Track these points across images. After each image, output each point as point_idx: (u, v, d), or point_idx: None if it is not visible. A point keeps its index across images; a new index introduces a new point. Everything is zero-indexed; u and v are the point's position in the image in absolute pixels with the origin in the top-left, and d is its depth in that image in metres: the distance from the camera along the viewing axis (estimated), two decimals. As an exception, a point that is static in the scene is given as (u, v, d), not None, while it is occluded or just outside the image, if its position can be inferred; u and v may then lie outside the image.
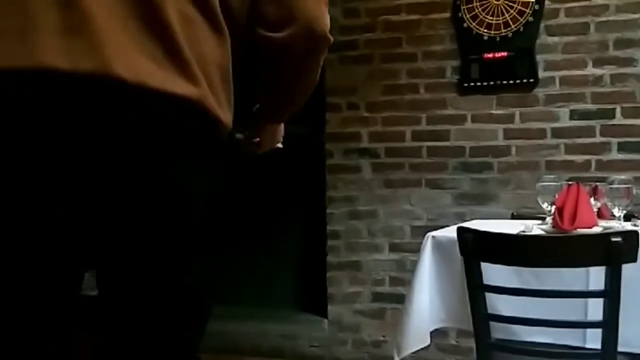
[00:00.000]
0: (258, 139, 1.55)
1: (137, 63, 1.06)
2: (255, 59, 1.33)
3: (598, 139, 3.69)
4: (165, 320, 1.17)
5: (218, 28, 1.18)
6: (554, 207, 2.29)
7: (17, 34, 1.03)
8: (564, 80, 3.75)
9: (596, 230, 2.24)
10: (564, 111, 3.75)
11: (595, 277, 2.02)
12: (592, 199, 2.35)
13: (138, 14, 1.08)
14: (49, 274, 1.11)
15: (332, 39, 1.32)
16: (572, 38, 3.73)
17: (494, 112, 3.87)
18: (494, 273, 2.08)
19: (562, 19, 3.75)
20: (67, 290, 1.16)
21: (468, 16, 3.87)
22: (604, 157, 3.68)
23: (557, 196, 2.30)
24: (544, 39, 3.78)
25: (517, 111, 3.83)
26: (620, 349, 1.91)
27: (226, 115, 1.21)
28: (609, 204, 2.30)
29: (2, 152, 1.04)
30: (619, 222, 2.28)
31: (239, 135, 1.47)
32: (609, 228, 2.23)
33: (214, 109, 1.16)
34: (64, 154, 1.05)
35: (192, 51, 1.12)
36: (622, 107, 3.66)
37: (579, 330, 2.13)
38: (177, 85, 1.09)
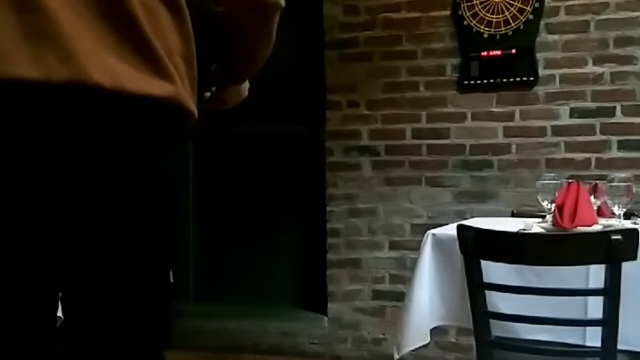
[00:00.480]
0: (222, 97, 1.54)
1: (111, 67, 1.02)
2: (209, 33, 1.30)
3: (598, 137, 3.69)
4: (135, 330, 1.15)
5: (178, 14, 1.13)
6: (554, 205, 2.29)
7: None
8: (564, 78, 3.75)
9: (596, 228, 2.24)
10: (564, 109, 3.75)
11: (595, 275, 2.02)
12: (592, 197, 2.35)
13: (101, 9, 1.03)
14: (26, 290, 1.09)
15: (283, 3, 1.28)
16: (572, 36, 3.73)
17: (494, 110, 3.87)
18: (493, 271, 2.08)
19: (562, 16, 3.75)
20: (45, 309, 1.14)
21: (468, 14, 3.87)
22: (604, 155, 3.68)
23: (557, 194, 2.30)
24: (544, 36, 3.78)
25: (517, 109, 3.82)
26: (620, 347, 1.92)
27: (194, 105, 1.18)
28: (609, 202, 2.30)
29: None
30: (619, 220, 2.28)
31: (205, 95, 1.48)
32: (609, 226, 2.23)
33: (187, 104, 1.14)
34: (41, 166, 1.01)
35: (159, 43, 1.08)
36: (622, 105, 3.66)
37: (579, 328, 2.13)
38: (153, 86, 1.06)
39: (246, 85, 1.56)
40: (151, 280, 1.16)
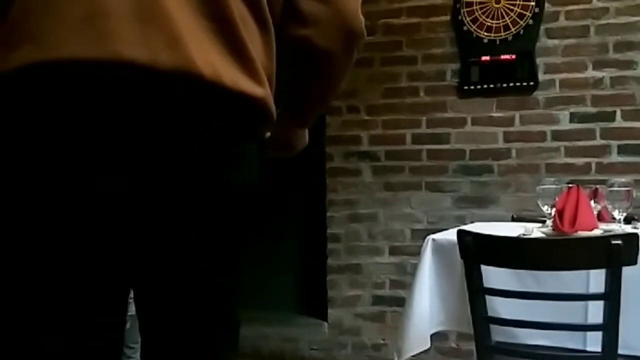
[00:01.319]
0: (290, 142, 1.48)
1: (211, 59, 1.02)
2: (285, 59, 1.27)
3: (598, 141, 3.69)
4: (204, 344, 1.15)
5: (265, 29, 1.13)
6: (554, 209, 2.29)
7: (85, 20, 0.97)
8: (564, 83, 3.75)
9: (596, 233, 2.24)
10: (564, 114, 3.75)
11: (596, 279, 2.01)
12: (592, 202, 2.35)
13: (205, 9, 1.04)
14: (95, 288, 1.06)
15: (365, 34, 1.28)
16: (572, 41, 3.74)
17: (494, 115, 3.87)
18: (494, 276, 2.07)
19: (562, 21, 3.75)
20: (114, 310, 1.12)
21: (468, 19, 3.87)
22: (604, 160, 3.68)
23: (557, 199, 2.30)
24: (544, 41, 3.78)
25: (517, 114, 3.83)
26: (620, 351, 1.91)
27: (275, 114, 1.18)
28: (609, 206, 2.30)
29: (74, 147, 0.98)
30: (619, 224, 2.28)
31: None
32: (609, 231, 2.22)
33: (273, 109, 1.13)
34: (137, 150, 1.00)
35: (252, 49, 1.09)
36: (622, 110, 3.66)
37: (579, 333, 2.12)
38: (247, 85, 1.06)
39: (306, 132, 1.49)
40: (225, 282, 1.16)
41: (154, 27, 0.98)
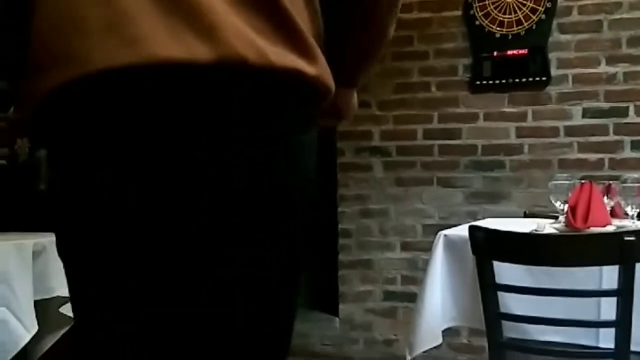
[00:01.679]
0: (338, 106, 1.34)
1: (254, 41, 0.92)
2: (331, 23, 1.15)
3: (611, 137, 3.68)
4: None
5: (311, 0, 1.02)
6: (566, 205, 2.28)
7: (110, 28, 0.91)
8: (576, 78, 3.73)
9: (609, 229, 2.23)
10: (576, 109, 3.74)
11: (609, 276, 2.01)
12: (605, 198, 2.34)
13: None
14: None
15: None
16: (585, 36, 3.72)
17: (506, 110, 3.86)
18: (506, 272, 2.07)
19: (575, 16, 3.73)
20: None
21: (480, 14, 3.86)
22: (617, 156, 3.66)
23: (570, 195, 2.29)
24: (556, 36, 3.76)
25: (529, 109, 3.81)
26: (633, 348, 1.90)
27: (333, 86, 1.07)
28: (622, 202, 2.29)
29: (124, 160, 0.92)
30: (632, 220, 2.27)
31: None
32: (622, 227, 2.21)
33: (331, 84, 1.03)
34: (193, 151, 0.92)
35: (299, 20, 0.97)
36: (635, 105, 3.64)
37: (592, 330, 2.12)
38: (300, 63, 0.96)
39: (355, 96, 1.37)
40: (290, 296, 1.10)
41: (184, 21, 0.91)
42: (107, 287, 0.97)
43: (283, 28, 0.95)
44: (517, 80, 3.81)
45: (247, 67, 0.91)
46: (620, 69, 3.66)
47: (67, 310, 2.41)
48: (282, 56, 0.93)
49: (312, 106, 1.02)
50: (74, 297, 1.03)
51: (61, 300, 2.39)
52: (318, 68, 0.98)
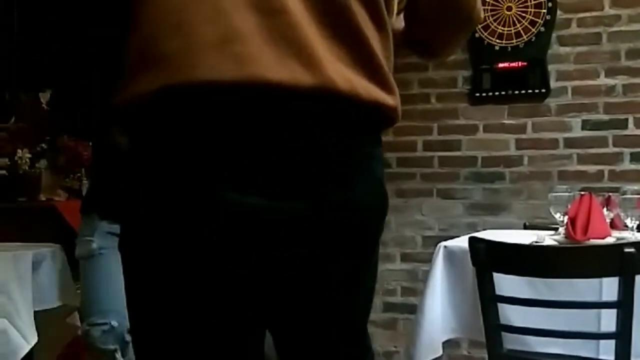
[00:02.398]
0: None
1: (346, 73, 1.01)
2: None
3: (611, 149, 3.68)
4: None
5: (385, 29, 1.08)
6: (566, 217, 2.28)
7: (220, 44, 0.96)
8: (576, 91, 3.74)
9: (609, 240, 2.23)
10: (576, 121, 3.74)
11: (609, 287, 2.01)
12: (604, 210, 2.34)
13: (332, 20, 1.01)
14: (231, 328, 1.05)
15: None
16: (584, 48, 3.73)
17: (505, 122, 3.86)
18: (506, 283, 2.07)
19: (574, 29, 3.75)
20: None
21: (480, 26, 3.87)
22: (617, 168, 3.66)
23: (569, 206, 2.29)
24: (555, 49, 3.77)
25: (529, 121, 3.82)
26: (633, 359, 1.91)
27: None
28: (622, 214, 2.29)
29: (214, 169, 0.96)
30: (632, 232, 2.27)
31: None
32: (622, 239, 2.22)
33: (400, 115, 1.11)
34: (281, 169, 0.98)
35: (380, 54, 1.06)
36: (634, 117, 3.65)
37: (592, 341, 2.11)
38: (381, 95, 1.04)
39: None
40: (364, 317, 1.17)
41: (289, 48, 0.98)
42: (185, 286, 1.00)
43: (369, 64, 1.03)
44: (516, 92, 3.82)
45: (338, 95, 0.99)
46: (619, 81, 3.67)
47: (72, 319, 2.41)
48: (367, 88, 1.02)
49: (385, 129, 1.11)
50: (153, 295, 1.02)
51: (66, 310, 2.39)
52: (395, 100, 1.07)
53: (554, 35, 3.77)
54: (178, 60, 0.96)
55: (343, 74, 1.00)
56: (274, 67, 0.96)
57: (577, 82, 3.74)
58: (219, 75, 0.94)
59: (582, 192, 2.36)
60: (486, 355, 2.09)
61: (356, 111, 1.02)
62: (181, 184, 0.97)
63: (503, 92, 3.84)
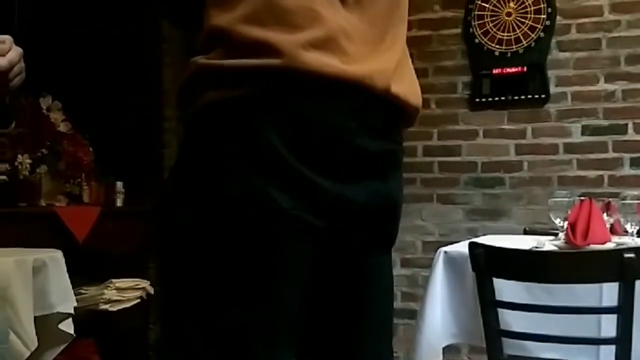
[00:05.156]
0: None
1: (399, 82, 1.15)
2: None
3: (610, 154, 3.69)
4: None
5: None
6: (566, 222, 2.28)
7: (322, 38, 1.04)
8: (575, 96, 3.74)
9: (609, 246, 2.23)
10: (576, 126, 3.75)
11: (609, 293, 2.01)
12: (604, 215, 2.35)
13: (403, 48, 1.22)
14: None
15: None
16: (583, 54, 3.74)
17: (505, 127, 3.87)
18: (506, 288, 2.07)
19: (574, 34, 3.75)
20: None
21: (479, 32, 3.88)
22: (617, 173, 3.67)
23: (569, 212, 2.29)
24: (555, 54, 3.78)
25: (529, 126, 3.82)
26: (633, 365, 1.90)
27: None
28: (622, 219, 2.29)
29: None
30: (631, 237, 2.27)
31: None
32: (622, 244, 2.22)
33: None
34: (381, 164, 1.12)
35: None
36: (634, 123, 3.65)
37: (592, 347, 2.11)
38: (419, 100, 1.24)
39: None
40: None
41: (405, 75, 1.19)
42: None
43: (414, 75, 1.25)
44: (516, 97, 3.82)
45: (407, 104, 1.17)
46: (619, 86, 3.68)
47: (66, 326, 2.40)
48: (418, 96, 1.25)
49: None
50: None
51: (60, 317, 2.38)
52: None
53: (553, 40, 3.78)
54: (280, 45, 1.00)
55: (417, 88, 1.22)
56: (398, 82, 1.14)
57: (576, 88, 3.74)
58: (320, 68, 1.01)
59: (582, 198, 2.37)
60: (486, 361, 2.09)
61: (406, 114, 1.20)
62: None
63: (503, 98, 3.84)
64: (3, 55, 1.20)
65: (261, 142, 0.99)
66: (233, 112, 1.00)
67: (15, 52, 1.22)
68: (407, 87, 1.16)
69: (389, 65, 1.11)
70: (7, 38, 1.21)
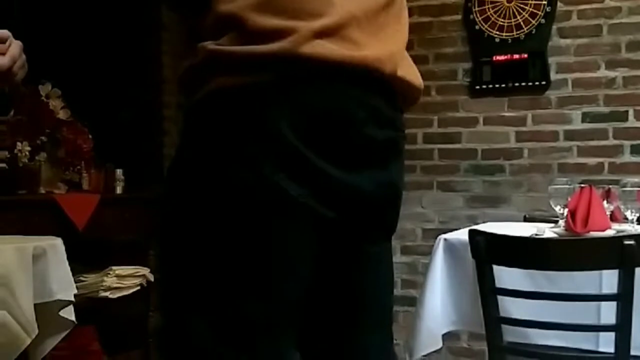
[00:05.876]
0: None
1: (403, 65, 1.19)
2: None
3: (611, 141, 3.68)
4: None
5: None
6: (566, 210, 2.28)
7: (328, 26, 1.04)
8: (576, 83, 3.73)
9: (609, 233, 2.23)
10: (576, 113, 3.74)
11: (608, 280, 2.01)
12: (604, 202, 2.34)
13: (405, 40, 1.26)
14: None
15: None
16: (584, 40, 3.72)
17: (505, 114, 3.86)
18: (506, 276, 2.07)
19: (575, 21, 3.74)
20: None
21: (480, 18, 3.86)
22: (617, 160, 3.66)
23: (569, 199, 2.29)
24: (556, 41, 3.77)
25: (529, 113, 3.82)
26: (633, 352, 1.91)
27: None
28: (622, 206, 2.29)
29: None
30: (631, 225, 2.27)
31: None
32: (622, 231, 2.22)
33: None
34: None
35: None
36: (635, 110, 3.64)
37: (592, 334, 2.12)
38: (420, 78, 1.26)
39: None
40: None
41: (405, 58, 1.22)
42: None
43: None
44: (516, 84, 3.81)
45: (412, 85, 1.22)
46: (619, 73, 3.67)
47: (67, 314, 2.41)
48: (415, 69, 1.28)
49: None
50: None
51: (61, 304, 2.38)
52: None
53: (554, 27, 3.76)
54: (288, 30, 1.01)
55: (401, 64, 1.18)
56: (403, 67, 1.18)
57: (577, 75, 3.73)
58: (326, 55, 1.01)
59: (582, 185, 2.36)
60: (486, 348, 2.09)
61: (414, 92, 1.23)
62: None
63: (503, 85, 3.83)
64: (3, 53, 1.20)
65: (271, 129, 0.98)
66: (243, 99, 1.00)
67: (16, 46, 1.23)
68: (408, 69, 1.19)
69: (394, 49, 1.13)
70: (6, 33, 1.22)
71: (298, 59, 0.98)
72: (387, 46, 1.10)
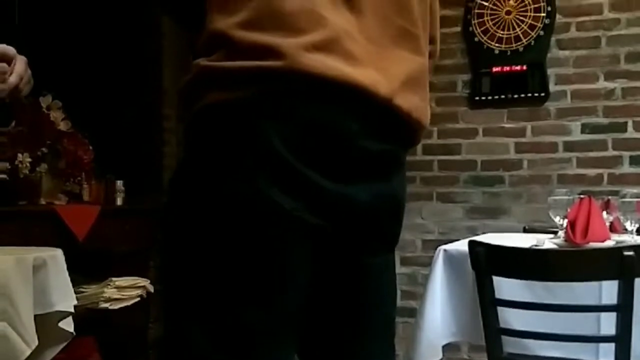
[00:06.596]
0: None
1: (406, 95, 1.12)
2: None
3: (610, 152, 3.69)
4: None
5: None
6: (566, 221, 2.28)
7: (324, 40, 1.04)
8: (575, 94, 3.75)
9: (609, 244, 2.23)
10: (575, 125, 3.75)
11: (608, 291, 2.01)
12: (604, 213, 2.35)
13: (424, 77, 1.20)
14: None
15: None
16: (583, 52, 3.74)
17: (505, 125, 3.87)
18: (505, 287, 2.07)
19: (573, 32, 3.76)
20: None
21: (479, 30, 3.88)
22: (616, 171, 3.67)
23: (569, 210, 2.29)
24: (555, 52, 3.78)
25: (528, 125, 3.83)
26: (633, 363, 1.91)
27: None
28: (621, 217, 2.30)
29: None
30: (631, 235, 2.27)
31: None
32: (622, 242, 2.22)
33: None
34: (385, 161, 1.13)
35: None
36: (634, 121, 3.66)
37: (592, 345, 2.11)
38: (427, 117, 1.21)
39: None
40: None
41: (417, 92, 1.14)
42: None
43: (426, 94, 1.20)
44: (516, 96, 3.82)
45: (410, 117, 1.13)
46: (618, 84, 3.68)
47: (66, 325, 2.40)
48: (425, 113, 1.19)
49: None
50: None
51: (61, 315, 2.38)
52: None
53: (553, 39, 3.78)
54: (282, 49, 1.00)
55: (402, 94, 1.11)
56: (378, 78, 1.08)
57: (576, 86, 3.75)
58: (323, 71, 1.01)
59: (582, 196, 2.36)
60: (486, 359, 2.09)
61: (414, 129, 1.18)
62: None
63: (502, 96, 3.85)
64: (10, 73, 1.23)
65: (263, 143, 0.99)
66: (235, 114, 1.01)
67: (22, 63, 1.24)
68: (413, 102, 1.13)
69: (398, 73, 1.09)
70: (12, 50, 1.24)
71: (287, 73, 0.98)
72: (388, 69, 1.07)
